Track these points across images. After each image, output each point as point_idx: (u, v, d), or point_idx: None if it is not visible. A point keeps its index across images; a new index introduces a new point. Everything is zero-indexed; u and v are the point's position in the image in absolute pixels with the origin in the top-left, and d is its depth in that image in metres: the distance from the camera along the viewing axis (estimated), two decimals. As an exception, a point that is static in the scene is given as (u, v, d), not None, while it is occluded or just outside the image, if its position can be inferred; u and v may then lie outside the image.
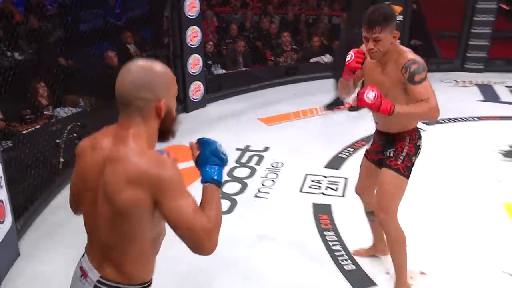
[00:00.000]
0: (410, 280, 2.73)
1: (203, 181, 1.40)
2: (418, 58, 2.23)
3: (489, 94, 6.25)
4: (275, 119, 5.47)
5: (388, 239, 2.51)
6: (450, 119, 5.32)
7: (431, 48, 7.97)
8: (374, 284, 2.77)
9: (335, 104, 5.58)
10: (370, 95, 2.15)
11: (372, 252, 2.98)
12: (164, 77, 1.36)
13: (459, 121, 5.32)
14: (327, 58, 7.42)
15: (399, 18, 6.95)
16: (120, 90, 1.34)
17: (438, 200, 3.67)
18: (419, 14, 7.69)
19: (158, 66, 1.36)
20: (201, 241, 1.29)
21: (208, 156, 1.43)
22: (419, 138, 2.46)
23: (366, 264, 2.92)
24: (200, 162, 1.44)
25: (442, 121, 5.23)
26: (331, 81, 5.76)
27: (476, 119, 5.38)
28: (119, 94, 1.35)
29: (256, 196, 3.80)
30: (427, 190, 3.76)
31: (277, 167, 4.28)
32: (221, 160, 1.44)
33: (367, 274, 2.84)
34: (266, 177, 4.09)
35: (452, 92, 6.37)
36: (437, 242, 3.15)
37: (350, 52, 2.33)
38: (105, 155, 1.35)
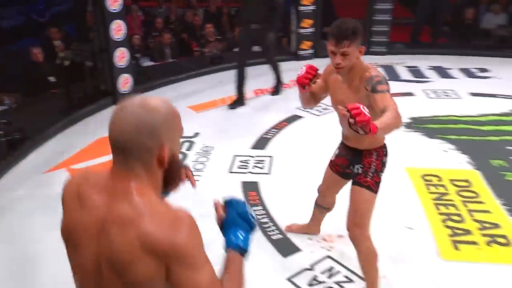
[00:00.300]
0: (329, 243, 2.86)
1: (227, 248, 1.18)
2: (381, 74, 2.08)
3: (391, 74, 6.54)
4: (204, 106, 5.43)
5: (360, 255, 2.34)
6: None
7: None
8: (299, 249, 2.86)
9: (238, 103, 5.42)
10: (366, 109, 1.70)
11: (304, 230, 3.00)
12: (168, 118, 1.08)
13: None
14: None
15: (311, 7, 7.12)
16: (117, 136, 1.05)
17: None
18: (329, 3, 7.89)
19: (160, 105, 1.08)
20: None
21: (235, 219, 1.20)
22: (386, 155, 2.34)
23: (292, 234, 3.01)
24: (225, 225, 1.21)
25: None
26: (255, 68, 5.81)
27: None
28: (115, 139, 1.05)
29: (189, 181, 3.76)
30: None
31: (207, 151, 4.27)
32: (250, 225, 1.21)
33: (292, 242, 2.93)
34: (197, 161, 4.07)
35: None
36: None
37: (302, 66, 2.17)
38: (102, 215, 1.05)
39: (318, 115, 5.04)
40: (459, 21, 7.81)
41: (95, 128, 4.70)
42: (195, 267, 1.03)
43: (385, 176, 3.64)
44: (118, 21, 5.21)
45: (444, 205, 3.30)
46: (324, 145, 4.26)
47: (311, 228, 2.98)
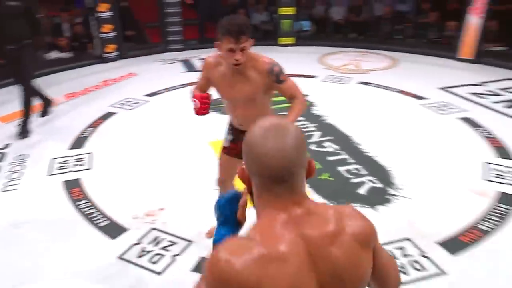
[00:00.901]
0: (152, 217, 2.84)
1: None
2: (274, 61, 1.97)
3: (189, 66, 6.68)
4: (12, 117, 4.72)
5: None
6: (164, 89, 5.52)
7: (143, 37, 8.02)
8: (126, 229, 2.76)
9: (46, 109, 4.55)
10: None
11: None
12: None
13: (173, 89, 5.56)
14: (55, 54, 6.75)
15: (109, 13, 6.73)
16: (278, 164, 0.86)
17: (174, 148, 3.84)
18: (128, 9, 7.59)
19: (285, 123, 0.92)
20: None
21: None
22: None
23: (118, 218, 2.88)
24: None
25: (160, 92, 5.40)
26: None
27: (183, 85, 5.67)
28: (277, 169, 0.86)
29: (4, 191, 3.27)
30: (169, 144, 3.89)
31: (22, 159, 3.74)
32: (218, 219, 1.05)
33: (119, 225, 2.81)
34: (12, 171, 3.55)
35: (164, 69, 6.58)
36: (172, 181, 3.32)
37: (194, 100, 1.95)
38: (305, 249, 0.85)
39: (130, 109, 4.88)
40: (235, 19, 8.32)
41: None
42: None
43: (194, 151, 3.82)
44: None
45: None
46: (139, 135, 4.21)
47: None
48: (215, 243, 1.01)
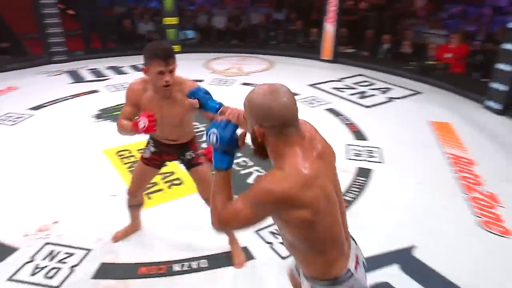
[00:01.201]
0: (46, 232, 2.57)
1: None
2: (198, 84, 1.90)
3: (77, 77, 6.16)
4: None
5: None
6: (51, 101, 5.01)
7: (21, 48, 7.15)
8: (16, 249, 2.46)
9: None
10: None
11: (130, 231, 2.57)
12: None
13: (61, 101, 5.07)
14: None
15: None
16: (290, 112, 1.13)
17: (66, 160, 3.50)
18: (2, 20, 6.69)
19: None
20: None
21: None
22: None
23: (6, 238, 2.54)
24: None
25: (46, 105, 4.89)
26: None
27: (72, 96, 5.25)
28: (290, 115, 1.12)
29: None
30: (61, 156, 3.52)
31: None
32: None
33: (7, 245, 2.48)
34: None
35: (49, 81, 5.95)
36: (66, 192, 3.04)
37: (140, 119, 1.78)
38: (322, 164, 1.17)
39: (13, 124, 4.33)
40: (121, 29, 7.93)
41: None
42: None
43: (88, 160, 3.55)
44: None
45: (136, 169, 3.42)
46: (26, 150, 3.76)
47: (135, 226, 2.58)
48: (217, 166, 1.23)
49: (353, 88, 5.73)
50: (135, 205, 2.45)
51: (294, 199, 1.06)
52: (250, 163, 3.53)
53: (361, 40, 7.53)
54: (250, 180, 3.26)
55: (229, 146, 1.20)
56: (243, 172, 3.38)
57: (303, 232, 1.12)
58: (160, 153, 2.21)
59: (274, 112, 1.10)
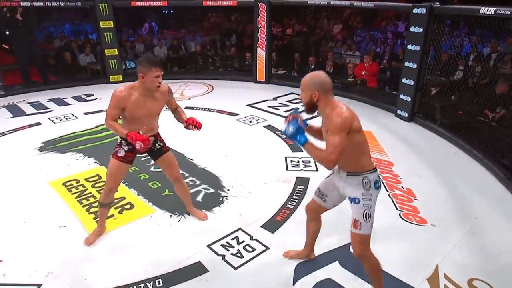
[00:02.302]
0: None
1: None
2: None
3: (17, 111, 5.66)
4: None
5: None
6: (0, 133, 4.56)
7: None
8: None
9: None
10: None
11: (100, 233, 2.73)
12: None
13: (0, 136, 4.64)
14: None
15: None
16: (330, 83, 1.88)
17: (10, 195, 3.17)
18: None
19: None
20: None
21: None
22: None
23: None
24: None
25: (-18, 141, 4.42)
26: None
27: (12, 131, 4.80)
28: (331, 84, 1.87)
29: None
30: (4, 192, 3.17)
31: None
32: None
33: None
34: None
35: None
36: (12, 229, 2.75)
37: (137, 141, 2.25)
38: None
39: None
40: (61, 61, 7.50)
41: None
42: None
43: (32, 193, 3.25)
44: None
45: (86, 198, 3.20)
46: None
47: (103, 228, 2.72)
48: (303, 143, 1.84)
49: (287, 105, 5.93)
50: (108, 203, 2.58)
51: (353, 120, 1.79)
52: (198, 181, 3.47)
53: (290, 62, 7.87)
54: (199, 198, 3.21)
55: (300, 129, 1.87)
56: (192, 191, 3.32)
57: (357, 143, 1.85)
58: (132, 149, 2.47)
59: (326, 82, 1.86)
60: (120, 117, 2.39)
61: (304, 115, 1.94)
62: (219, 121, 5.15)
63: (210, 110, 5.63)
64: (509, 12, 3.50)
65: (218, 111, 5.58)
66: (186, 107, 5.79)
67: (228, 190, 3.35)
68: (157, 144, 2.58)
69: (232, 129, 4.86)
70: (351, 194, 1.96)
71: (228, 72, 7.89)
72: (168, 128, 5.16)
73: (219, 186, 3.41)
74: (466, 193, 3.33)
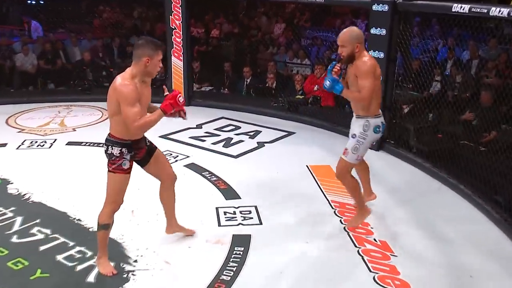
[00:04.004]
0: None
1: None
2: None
3: None
4: None
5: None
6: None
7: None
8: None
9: None
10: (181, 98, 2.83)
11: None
12: None
13: None
14: None
15: None
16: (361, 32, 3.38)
17: None
18: None
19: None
20: None
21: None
22: None
23: None
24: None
25: None
26: None
27: None
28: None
29: None
30: None
31: None
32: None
33: None
34: None
35: None
36: None
37: (178, 97, 2.79)
38: None
39: None
40: None
41: None
42: None
43: None
44: None
45: None
46: None
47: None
48: (340, 91, 3.25)
49: (216, 135, 6.00)
50: (112, 223, 3.05)
51: (376, 67, 3.28)
52: (90, 253, 3.32)
53: (219, 75, 8.04)
54: (92, 277, 3.06)
55: (335, 80, 3.24)
56: (80, 267, 3.17)
57: (378, 85, 3.33)
58: (133, 156, 3.01)
59: (362, 34, 3.26)
60: (108, 114, 2.92)
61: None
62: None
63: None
64: (485, 11, 4.00)
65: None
66: (69, 143, 5.58)
67: (135, 261, 3.26)
68: (147, 141, 3.13)
69: (138, 172, 4.74)
70: (352, 131, 3.48)
71: (130, 89, 7.78)
72: (39, 171, 4.89)
73: (122, 256, 3.32)
74: (455, 242, 3.59)
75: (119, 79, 2.80)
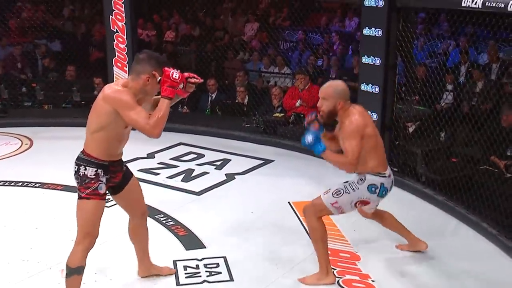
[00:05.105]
0: None
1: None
2: None
3: None
4: None
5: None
6: None
7: None
8: None
9: None
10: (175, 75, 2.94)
11: None
12: None
13: None
14: None
15: None
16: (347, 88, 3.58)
17: None
18: None
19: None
20: None
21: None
22: None
23: None
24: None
25: None
26: None
27: None
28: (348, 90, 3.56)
29: None
30: None
31: None
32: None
33: None
34: None
35: None
36: None
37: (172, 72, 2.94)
38: None
39: None
40: None
41: None
42: None
43: None
44: None
45: None
46: None
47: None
48: (320, 152, 3.37)
49: (172, 167, 5.99)
50: (84, 266, 3.08)
51: (366, 127, 3.40)
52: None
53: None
54: None
55: (318, 138, 3.37)
56: None
57: (368, 148, 3.40)
58: (109, 179, 3.13)
59: (347, 91, 3.48)
60: (87, 131, 3.02)
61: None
62: (47, 204, 5.00)
63: (25, 185, 5.45)
64: (502, 5, 4.09)
65: (42, 184, 5.43)
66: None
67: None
68: (123, 165, 3.29)
69: (72, 218, 4.63)
70: (346, 179, 3.60)
71: (61, 111, 7.76)
72: None
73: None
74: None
75: (108, 88, 2.96)
